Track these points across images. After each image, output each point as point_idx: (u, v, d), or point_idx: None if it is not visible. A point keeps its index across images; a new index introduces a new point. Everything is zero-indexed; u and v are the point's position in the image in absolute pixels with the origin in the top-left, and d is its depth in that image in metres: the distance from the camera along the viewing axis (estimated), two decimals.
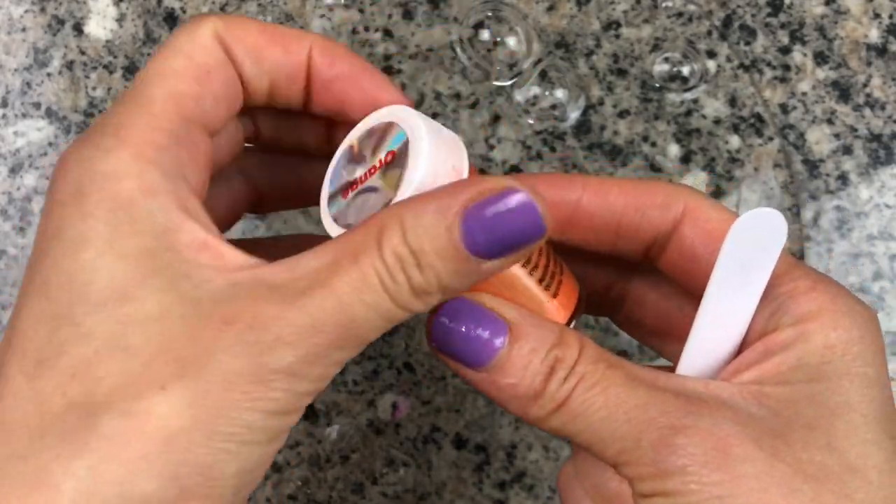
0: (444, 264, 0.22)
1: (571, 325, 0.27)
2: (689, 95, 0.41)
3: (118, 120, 0.22)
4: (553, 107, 0.41)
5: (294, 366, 0.21)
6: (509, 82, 0.41)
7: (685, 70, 0.41)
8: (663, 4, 0.42)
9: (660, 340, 0.30)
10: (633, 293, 0.30)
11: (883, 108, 0.42)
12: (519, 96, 0.41)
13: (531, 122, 0.41)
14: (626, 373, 0.24)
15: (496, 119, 0.41)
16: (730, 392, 0.24)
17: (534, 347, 0.24)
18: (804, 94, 0.42)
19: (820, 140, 0.42)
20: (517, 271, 0.25)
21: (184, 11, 0.41)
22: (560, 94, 0.41)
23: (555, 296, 0.26)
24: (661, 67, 0.42)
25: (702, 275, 0.25)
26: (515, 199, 0.22)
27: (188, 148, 0.23)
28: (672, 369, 0.26)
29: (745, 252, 0.24)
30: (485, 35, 0.41)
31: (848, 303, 0.24)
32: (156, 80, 0.23)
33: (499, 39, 0.41)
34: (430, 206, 0.22)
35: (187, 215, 0.22)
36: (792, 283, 0.25)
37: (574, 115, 0.41)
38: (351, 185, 0.25)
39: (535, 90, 0.41)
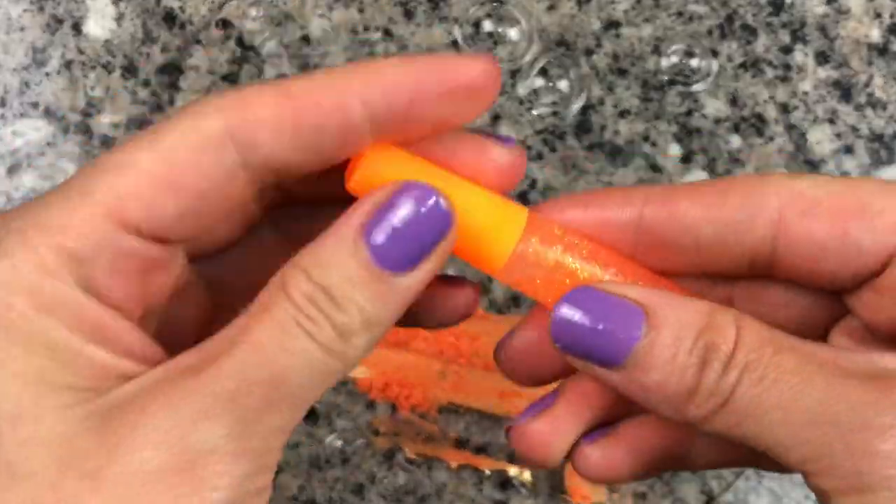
0: (361, 291, 0.19)
1: None
2: (697, 87, 0.41)
3: (34, 215, 0.20)
4: (554, 102, 0.41)
5: (226, 443, 0.18)
6: (511, 73, 0.41)
7: (693, 63, 0.41)
8: (664, 2, 0.42)
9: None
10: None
11: (884, 107, 0.42)
12: (521, 89, 0.41)
13: (535, 112, 0.41)
14: (799, 357, 0.20)
15: (496, 118, 0.41)
16: None
17: (678, 335, 0.20)
18: (805, 93, 0.42)
19: (821, 140, 0.42)
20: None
21: (182, 11, 0.41)
22: (563, 85, 0.41)
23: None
24: (667, 61, 0.42)
25: (837, 265, 0.21)
26: (409, 193, 0.20)
27: (116, 257, 0.20)
28: None
29: None
30: (487, 27, 0.41)
31: None
32: (108, 173, 0.20)
33: (501, 31, 0.41)
34: (326, 240, 0.20)
35: (88, 332, 0.19)
36: None
37: (575, 106, 0.41)
38: None
39: (538, 82, 0.41)
